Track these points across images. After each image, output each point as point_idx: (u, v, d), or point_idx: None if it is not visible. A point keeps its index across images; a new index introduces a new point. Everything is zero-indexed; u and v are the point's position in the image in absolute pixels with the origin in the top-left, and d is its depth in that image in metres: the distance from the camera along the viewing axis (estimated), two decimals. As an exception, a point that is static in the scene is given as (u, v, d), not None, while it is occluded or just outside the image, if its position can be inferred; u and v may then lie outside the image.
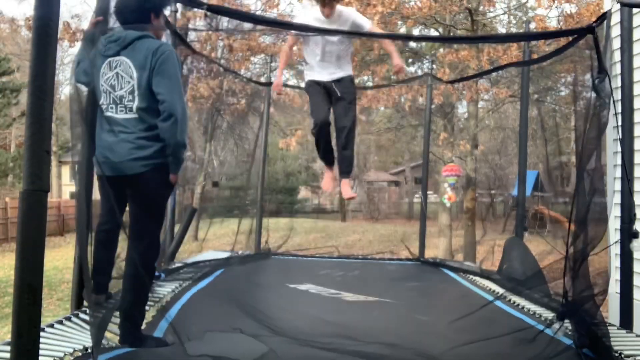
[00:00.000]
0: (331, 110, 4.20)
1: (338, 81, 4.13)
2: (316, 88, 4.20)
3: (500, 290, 4.16)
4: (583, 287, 2.68)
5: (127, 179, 2.52)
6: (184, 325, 2.82)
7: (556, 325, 2.89)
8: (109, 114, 2.55)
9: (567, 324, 2.93)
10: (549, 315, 3.31)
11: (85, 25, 9.45)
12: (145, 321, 2.78)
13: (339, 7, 3.99)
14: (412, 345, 2.68)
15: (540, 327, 2.95)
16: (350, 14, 4.05)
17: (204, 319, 3.10)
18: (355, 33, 4.06)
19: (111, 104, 2.56)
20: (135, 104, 2.51)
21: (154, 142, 2.50)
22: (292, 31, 4.14)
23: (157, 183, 2.53)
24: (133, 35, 2.54)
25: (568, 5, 9.67)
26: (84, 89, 2.75)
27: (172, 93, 2.47)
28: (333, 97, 4.16)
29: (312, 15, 4.02)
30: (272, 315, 3.11)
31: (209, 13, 4.12)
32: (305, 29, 3.69)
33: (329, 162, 4.34)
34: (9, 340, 1.66)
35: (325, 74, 4.16)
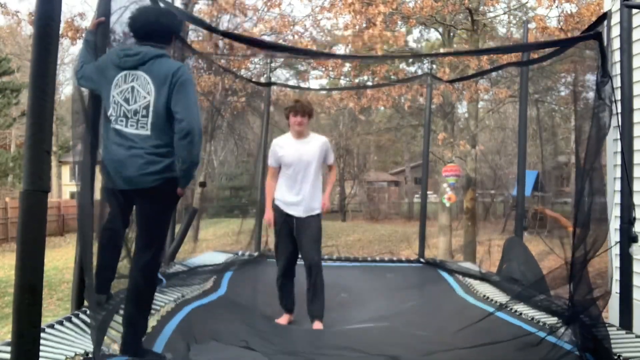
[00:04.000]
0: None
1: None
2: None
3: (500, 296, 4.11)
4: (587, 291, 2.68)
5: (136, 192, 2.53)
6: (186, 336, 2.80)
7: (562, 330, 2.88)
8: (117, 126, 2.54)
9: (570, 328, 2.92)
10: (550, 320, 3.29)
11: (87, 23, 9.46)
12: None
13: (313, 133, 4.02)
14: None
15: (542, 334, 2.93)
16: (323, 141, 4.00)
17: (205, 329, 3.06)
18: (367, 57, 4.07)
19: (121, 116, 2.54)
20: (149, 120, 2.50)
21: (164, 158, 2.51)
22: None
23: (166, 196, 2.57)
24: (153, 53, 2.55)
25: (568, 5, 9.67)
26: (83, 89, 2.75)
27: (190, 113, 2.49)
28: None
29: (283, 141, 3.97)
30: (273, 328, 3.07)
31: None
32: (315, 54, 3.68)
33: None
34: (9, 340, 1.66)
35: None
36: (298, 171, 3.88)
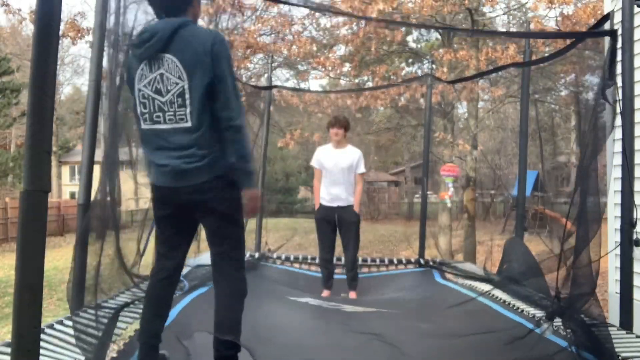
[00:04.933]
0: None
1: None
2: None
3: (499, 294, 4.17)
4: (574, 286, 2.69)
5: (195, 201, 2.19)
6: (181, 333, 2.79)
7: (545, 325, 2.91)
8: (154, 126, 2.17)
9: (559, 323, 2.94)
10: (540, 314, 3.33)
11: (87, 23, 9.46)
12: (128, 335, 2.74)
13: (350, 145, 4.98)
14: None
15: (530, 326, 2.96)
16: (357, 153, 4.93)
17: (199, 327, 3.06)
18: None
19: (157, 111, 2.15)
20: (187, 110, 2.11)
21: (213, 151, 2.17)
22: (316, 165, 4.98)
23: (227, 195, 2.21)
24: (173, 26, 2.10)
25: (566, 6, 9.66)
26: (84, 89, 2.72)
27: (231, 96, 2.12)
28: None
29: (324, 149, 5.00)
30: (270, 328, 3.08)
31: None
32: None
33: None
34: (9, 340, 1.66)
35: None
36: (334, 174, 4.80)
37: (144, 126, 2.20)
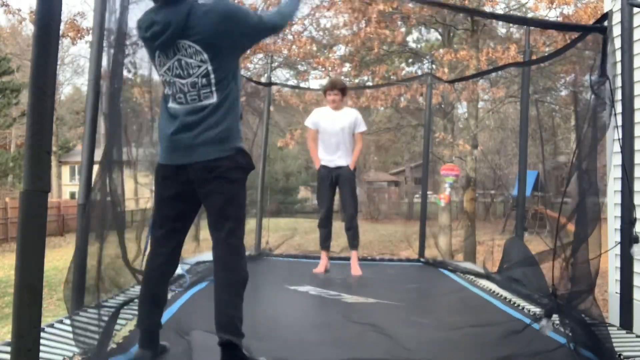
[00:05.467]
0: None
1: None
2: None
3: (499, 291, 4.19)
4: (572, 284, 2.69)
5: (205, 169, 2.16)
6: (181, 328, 2.79)
7: (543, 322, 2.91)
8: (177, 106, 2.20)
9: (557, 320, 2.95)
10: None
11: (87, 23, 9.47)
12: (128, 329, 2.74)
13: (346, 107, 5.02)
14: (406, 346, 2.70)
15: (534, 325, 2.97)
16: (355, 113, 4.98)
17: (199, 322, 3.06)
18: None
19: (178, 93, 2.20)
20: (213, 88, 2.16)
21: (232, 123, 2.20)
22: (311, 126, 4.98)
23: (240, 166, 2.23)
24: (184, 11, 2.10)
25: (567, 7, 9.68)
26: (84, 89, 2.73)
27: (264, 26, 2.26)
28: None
29: (322, 111, 4.96)
30: (270, 319, 3.08)
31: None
32: None
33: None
34: (9, 340, 1.66)
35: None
36: (332, 135, 4.82)
37: (170, 104, 2.24)
